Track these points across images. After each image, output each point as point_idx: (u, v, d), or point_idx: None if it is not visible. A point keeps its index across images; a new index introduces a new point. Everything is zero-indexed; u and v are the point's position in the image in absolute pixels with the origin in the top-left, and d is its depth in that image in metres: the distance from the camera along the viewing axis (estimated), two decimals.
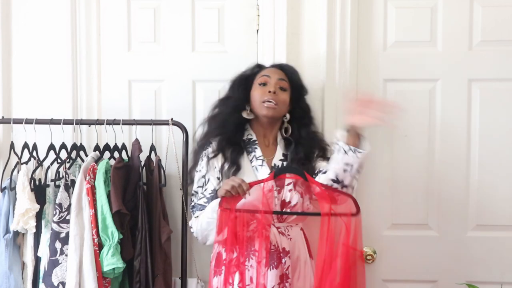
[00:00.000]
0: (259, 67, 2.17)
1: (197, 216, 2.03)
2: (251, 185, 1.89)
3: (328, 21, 2.33)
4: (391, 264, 2.39)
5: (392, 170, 2.38)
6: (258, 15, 2.39)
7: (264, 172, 2.00)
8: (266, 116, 2.05)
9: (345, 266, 1.84)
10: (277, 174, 1.92)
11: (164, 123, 2.30)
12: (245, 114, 2.09)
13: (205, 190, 2.05)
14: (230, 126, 2.08)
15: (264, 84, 2.07)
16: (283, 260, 1.94)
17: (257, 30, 2.40)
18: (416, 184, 2.38)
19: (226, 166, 2.04)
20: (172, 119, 2.28)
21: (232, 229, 1.86)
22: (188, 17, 2.42)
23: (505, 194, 2.37)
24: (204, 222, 1.97)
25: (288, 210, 1.99)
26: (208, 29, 2.42)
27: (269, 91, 2.03)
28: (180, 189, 2.27)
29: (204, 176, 2.07)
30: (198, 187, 2.08)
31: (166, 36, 2.43)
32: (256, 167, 2.03)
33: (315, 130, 2.19)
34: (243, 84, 2.12)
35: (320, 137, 2.18)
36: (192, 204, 2.08)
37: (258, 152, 2.05)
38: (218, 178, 2.05)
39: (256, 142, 2.09)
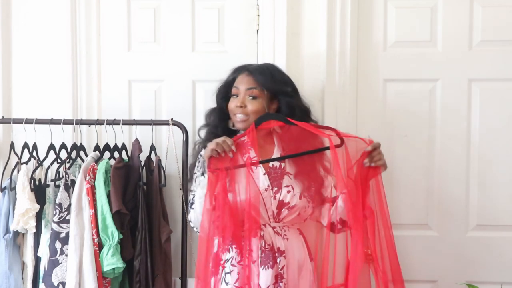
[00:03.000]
0: (236, 72, 2.09)
1: (194, 208, 2.00)
2: (234, 139, 1.90)
3: (328, 21, 2.33)
4: None
5: (392, 170, 2.36)
6: (258, 15, 2.40)
7: (259, 173, 1.97)
8: (240, 129, 2.05)
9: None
10: (257, 123, 1.93)
11: (164, 123, 2.30)
12: (230, 125, 2.08)
13: None
14: (220, 134, 2.06)
15: (236, 95, 2.04)
16: (278, 260, 1.93)
17: (257, 30, 2.40)
18: (416, 184, 2.38)
19: None
20: (172, 119, 2.28)
21: (224, 191, 1.84)
22: (188, 17, 2.42)
23: (505, 194, 2.37)
24: (198, 205, 1.95)
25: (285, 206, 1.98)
26: (208, 29, 2.42)
27: (237, 106, 2.01)
28: (180, 189, 2.27)
29: (202, 174, 2.04)
30: (196, 185, 2.06)
31: (166, 36, 2.43)
32: (251, 168, 1.97)
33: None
34: (222, 93, 2.10)
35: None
36: (191, 201, 2.04)
37: (252, 153, 2.01)
38: None
39: (249, 143, 2.05)
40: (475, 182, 2.37)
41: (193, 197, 2.02)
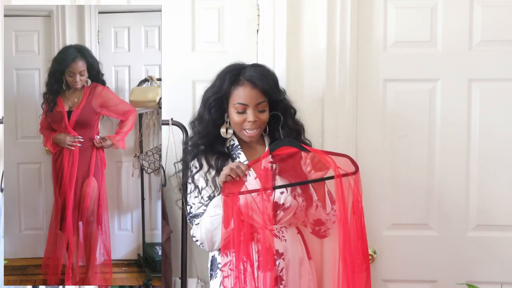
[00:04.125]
0: (233, 83, 2.00)
1: (198, 223, 1.98)
2: (249, 165, 1.90)
3: (328, 21, 2.33)
4: (391, 264, 2.39)
5: (392, 170, 2.38)
6: (258, 15, 2.39)
7: (250, 177, 1.95)
8: (249, 142, 2.04)
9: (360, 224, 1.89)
10: (272, 149, 1.91)
11: (164, 123, 2.30)
12: (223, 133, 2.04)
13: (201, 198, 2.01)
14: (208, 144, 2.05)
15: (242, 111, 1.99)
16: (277, 262, 1.93)
17: (257, 30, 2.40)
18: (416, 184, 2.38)
19: (212, 173, 2.00)
20: (172, 119, 2.28)
21: (238, 214, 1.84)
22: (188, 17, 2.42)
23: (505, 194, 2.37)
24: (208, 223, 1.93)
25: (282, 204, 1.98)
26: (208, 29, 2.42)
27: (249, 121, 1.97)
28: (180, 189, 2.27)
29: (197, 186, 2.03)
30: (194, 197, 2.02)
31: (166, 36, 2.43)
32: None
33: (294, 126, 2.10)
34: (215, 106, 2.03)
35: (300, 131, 2.11)
36: (191, 215, 2.01)
37: (242, 157, 2.02)
38: (207, 183, 2.01)
39: (239, 147, 2.05)
40: (475, 182, 2.36)
41: (191, 209, 2.00)
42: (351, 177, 1.88)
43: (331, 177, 1.88)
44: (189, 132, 2.17)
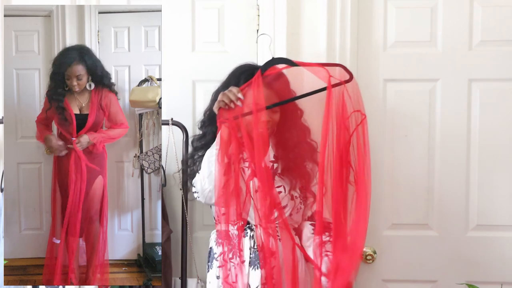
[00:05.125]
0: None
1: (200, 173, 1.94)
2: (240, 88, 1.87)
3: (328, 21, 2.33)
4: (391, 264, 2.39)
5: (392, 170, 2.38)
6: (258, 15, 2.40)
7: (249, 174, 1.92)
8: None
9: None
10: (264, 69, 1.88)
11: (164, 123, 2.30)
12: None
13: None
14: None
15: None
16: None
17: (257, 30, 2.40)
18: (416, 184, 2.38)
19: None
20: (172, 119, 2.28)
21: (237, 153, 1.82)
22: (188, 17, 2.42)
23: (505, 194, 2.37)
24: (205, 163, 1.89)
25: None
26: (208, 29, 2.42)
27: (263, 120, 1.93)
28: (180, 189, 2.27)
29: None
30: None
31: (165, 36, 2.43)
32: (243, 169, 1.96)
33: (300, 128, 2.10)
34: None
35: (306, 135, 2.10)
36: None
37: (245, 153, 2.03)
38: None
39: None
40: (475, 182, 2.36)
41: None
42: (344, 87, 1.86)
43: (323, 89, 1.86)
44: (191, 131, 2.16)
